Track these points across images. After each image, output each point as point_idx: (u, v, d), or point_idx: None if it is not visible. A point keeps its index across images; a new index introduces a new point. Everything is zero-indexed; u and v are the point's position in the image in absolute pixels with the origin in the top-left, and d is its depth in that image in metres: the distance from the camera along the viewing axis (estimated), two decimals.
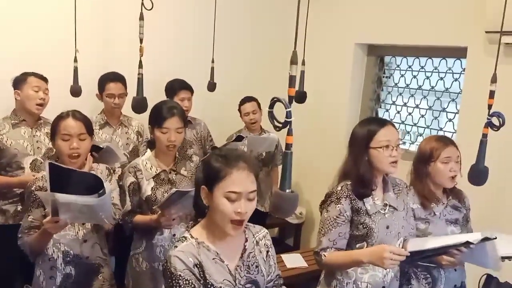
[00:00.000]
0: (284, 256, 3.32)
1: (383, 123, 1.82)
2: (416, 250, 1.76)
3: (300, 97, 2.88)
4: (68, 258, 1.90)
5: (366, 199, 1.82)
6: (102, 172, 2.06)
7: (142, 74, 2.11)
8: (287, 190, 1.40)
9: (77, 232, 1.91)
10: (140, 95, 2.13)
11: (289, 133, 1.40)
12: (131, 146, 3.07)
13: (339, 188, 1.83)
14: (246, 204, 1.35)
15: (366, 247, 1.80)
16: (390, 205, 1.85)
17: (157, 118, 2.09)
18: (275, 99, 1.39)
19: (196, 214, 1.51)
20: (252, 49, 3.94)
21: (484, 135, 2.19)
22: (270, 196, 3.52)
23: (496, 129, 2.17)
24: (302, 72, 2.90)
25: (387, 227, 1.83)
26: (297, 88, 2.76)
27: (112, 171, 2.15)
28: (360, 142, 1.81)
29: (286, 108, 1.35)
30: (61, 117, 1.95)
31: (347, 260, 1.78)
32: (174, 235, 2.11)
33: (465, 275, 2.15)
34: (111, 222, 1.90)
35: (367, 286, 1.83)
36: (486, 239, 1.72)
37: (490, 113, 2.15)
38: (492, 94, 2.14)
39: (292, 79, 1.38)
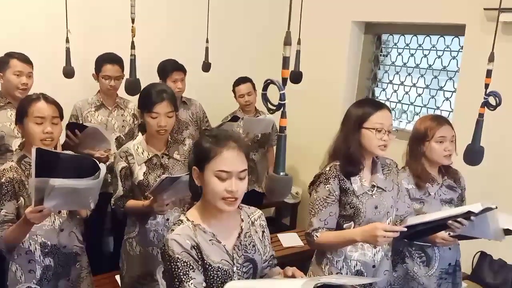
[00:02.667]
0: (280, 236, 3.36)
1: (380, 106, 1.83)
2: (414, 223, 1.77)
3: (296, 77, 2.84)
4: (46, 250, 1.83)
5: (354, 179, 1.83)
6: None
7: (134, 55, 2.06)
8: (281, 173, 1.39)
9: (53, 222, 1.84)
10: (133, 76, 2.10)
11: (283, 115, 1.38)
12: (127, 128, 3.05)
13: (328, 168, 1.85)
14: (237, 183, 1.36)
15: (354, 226, 1.83)
16: (378, 187, 1.87)
17: (147, 102, 2.04)
18: (268, 81, 1.37)
19: (192, 197, 1.51)
20: (247, 28, 3.88)
21: (481, 115, 2.17)
22: (267, 176, 3.53)
23: (492, 108, 2.15)
24: (298, 52, 2.85)
25: (376, 207, 1.84)
26: (292, 68, 2.72)
27: None
28: (354, 121, 1.82)
29: (279, 90, 1.33)
30: (31, 99, 1.82)
31: (340, 240, 1.80)
32: (167, 219, 2.10)
33: (459, 254, 2.17)
34: (92, 208, 1.78)
35: (356, 264, 1.85)
36: (488, 209, 1.72)
37: (486, 93, 2.14)
38: (489, 73, 2.12)
39: (285, 60, 1.34)
